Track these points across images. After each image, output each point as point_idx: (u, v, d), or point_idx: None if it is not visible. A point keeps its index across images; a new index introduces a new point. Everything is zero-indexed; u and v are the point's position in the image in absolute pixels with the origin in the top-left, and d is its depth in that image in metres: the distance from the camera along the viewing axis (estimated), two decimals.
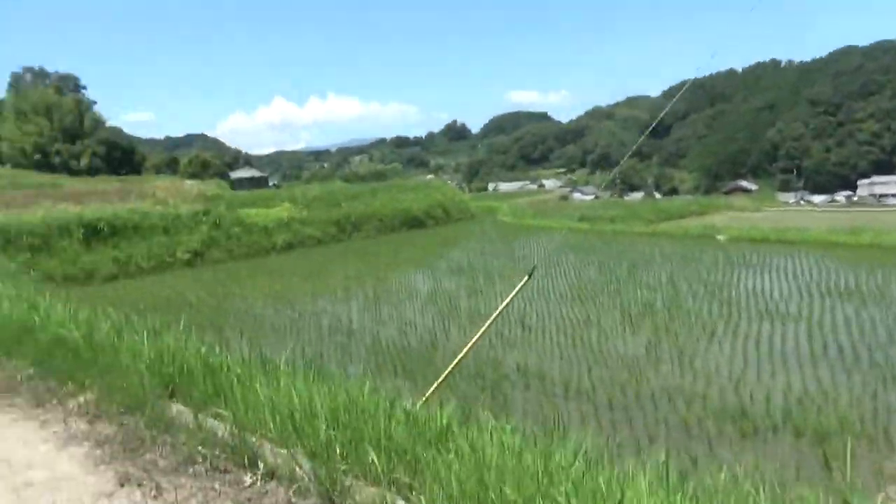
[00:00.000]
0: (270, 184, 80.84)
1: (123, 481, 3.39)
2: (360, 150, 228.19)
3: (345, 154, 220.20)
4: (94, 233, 22.49)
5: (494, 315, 5.83)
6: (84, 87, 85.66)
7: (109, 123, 78.76)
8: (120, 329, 5.31)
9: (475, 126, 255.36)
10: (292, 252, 26.56)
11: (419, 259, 23.41)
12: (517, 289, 5.59)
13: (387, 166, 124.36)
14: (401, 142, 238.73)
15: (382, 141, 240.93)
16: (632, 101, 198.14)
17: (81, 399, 4.54)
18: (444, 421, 3.80)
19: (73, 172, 59.30)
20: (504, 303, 5.67)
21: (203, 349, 4.63)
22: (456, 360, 5.72)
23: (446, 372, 5.73)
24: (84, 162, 66.52)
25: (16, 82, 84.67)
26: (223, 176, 75.01)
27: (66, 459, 3.73)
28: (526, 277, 5.64)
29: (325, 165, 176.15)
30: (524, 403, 8.91)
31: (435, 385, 5.80)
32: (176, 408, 4.07)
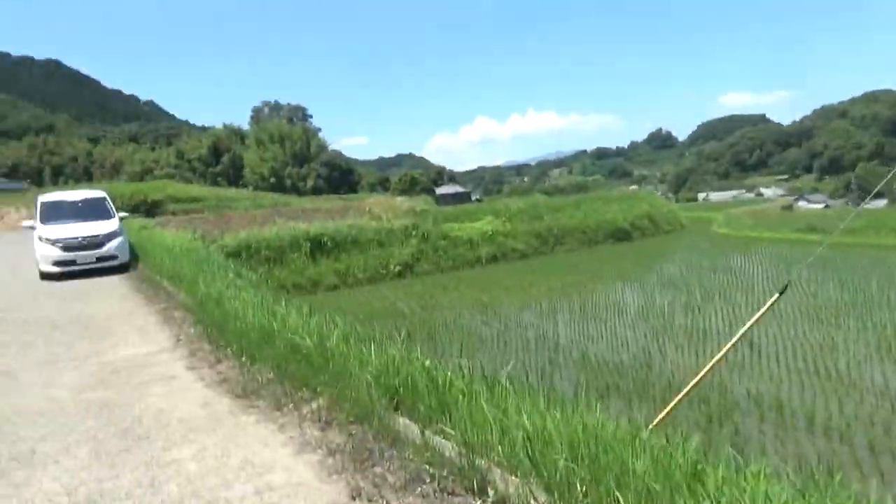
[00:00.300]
0: (473, 198, 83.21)
1: (355, 494, 3.35)
2: (560, 162, 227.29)
3: (544, 167, 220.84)
4: (318, 246, 24.50)
5: (738, 335, 5.11)
6: (311, 116, 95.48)
7: (331, 148, 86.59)
8: (347, 337, 5.46)
9: (682, 133, 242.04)
10: (496, 264, 26.80)
11: (626, 272, 22.33)
12: (766, 307, 4.83)
13: (587, 178, 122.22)
14: (601, 153, 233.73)
15: (583, 153, 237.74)
16: (872, 97, 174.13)
17: (314, 405, 4.69)
18: (692, 457, 3.29)
19: (301, 193, 65.95)
20: (750, 322, 4.95)
21: (426, 362, 4.55)
22: (692, 384, 5.09)
23: (679, 396, 5.13)
24: (310, 183, 73.79)
25: (256, 115, 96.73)
26: (429, 192, 78.81)
27: (301, 465, 3.81)
28: (776, 295, 4.87)
29: (525, 179, 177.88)
30: (759, 436, 7.88)
31: (666, 411, 5.23)
32: (402, 421, 4.00)
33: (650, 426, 4.78)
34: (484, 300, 18.47)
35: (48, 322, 9.29)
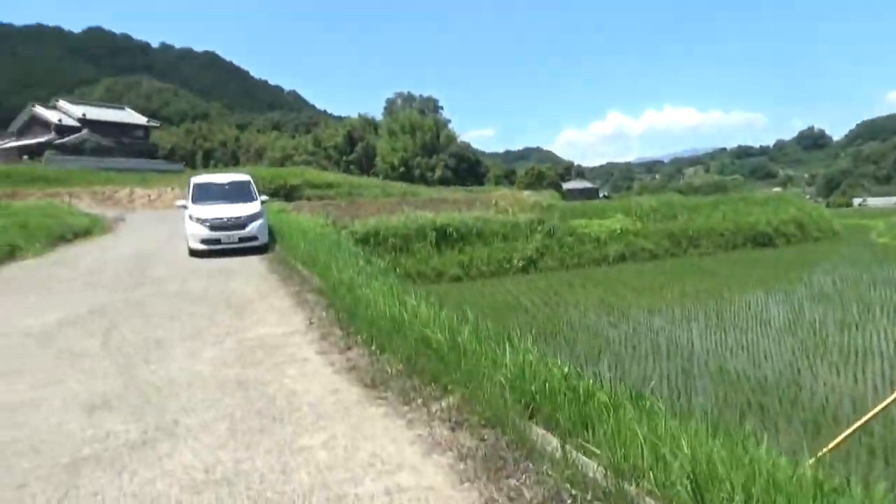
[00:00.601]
0: (601, 195, 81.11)
1: None
2: (696, 160, 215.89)
3: (678, 165, 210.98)
4: (444, 237, 24.66)
5: None
6: (441, 108, 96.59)
7: (459, 140, 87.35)
8: (480, 334, 5.26)
9: (837, 132, 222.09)
10: (624, 264, 25.78)
11: (770, 281, 20.66)
12: None
13: (726, 178, 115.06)
14: (743, 151, 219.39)
15: (722, 151, 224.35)
16: None
17: (444, 403, 4.52)
18: None
19: (428, 183, 67.06)
20: None
21: (566, 369, 4.25)
22: (869, 415, 4.43)
23: (854, 427, 4.49)
24: (437, 174, 74.91)
25: (390, 106, 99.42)
26: (556, 187, 77.59)
27: (431, 468, 3.65)
28: None
29: (657, 177, 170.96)
30: None
31: (835, 442, 4.61)
32: (538, 431, 3.73)
33: (815, 457, 4.21)
34: (611, 300, 17.77)
35: (195, 297, 9.86)
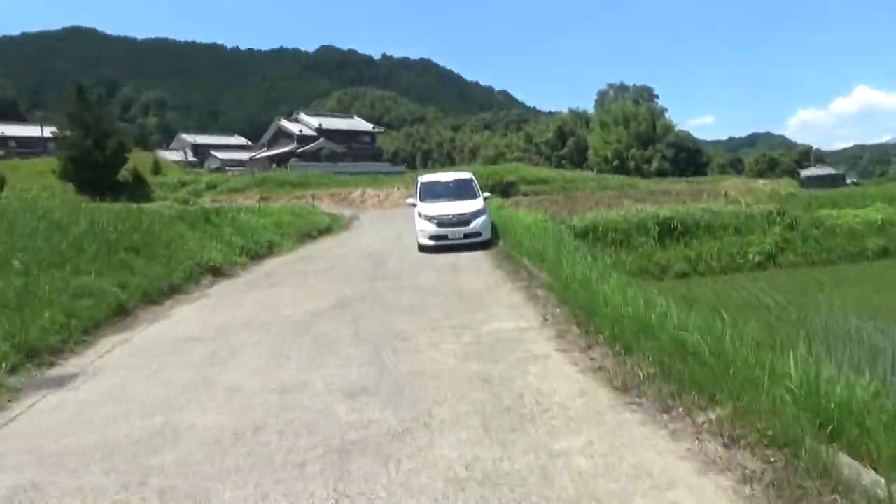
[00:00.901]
0: (848, 181, 71.49)
1: None
2: None
3: None
4: (667, 231, 23.30)
5: None
6: (657, 97, 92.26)
7: (678, 129, 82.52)
8: (745, 338, 4.69)
9: None
10: (888, 260, 22.27)
11: None
12: None
13: None
14: None
15: None
16: None
17: (711, 415, 4.06)
18: None
19: (643, 175, 64.29)
20: None
21: (873, 386, 3.56)
22: None
23: None
24: (654, 165, 71.53)
25: (601, 98, 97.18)
26: (791, 174, 70.01)
27: (710, 488, 3.25)
28: None
29: None
30: None
31: None
32: (843, 459, 3.15)
33: None
34: (875, 302, 15.42)
35: (428, 291, 10.24)
